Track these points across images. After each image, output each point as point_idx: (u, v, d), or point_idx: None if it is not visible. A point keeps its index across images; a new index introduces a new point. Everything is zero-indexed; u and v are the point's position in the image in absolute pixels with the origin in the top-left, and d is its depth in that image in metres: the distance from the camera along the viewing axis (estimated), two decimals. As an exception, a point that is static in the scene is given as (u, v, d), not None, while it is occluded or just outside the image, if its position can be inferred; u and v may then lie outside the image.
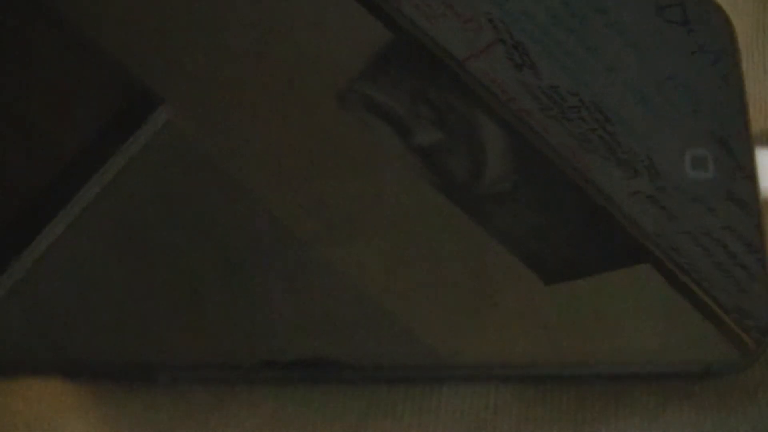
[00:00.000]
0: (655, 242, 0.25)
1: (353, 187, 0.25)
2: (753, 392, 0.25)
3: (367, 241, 0.24)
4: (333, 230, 0.24)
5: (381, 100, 0.25)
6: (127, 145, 0.25)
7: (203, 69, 0.25)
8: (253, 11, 0.26)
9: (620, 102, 0.25)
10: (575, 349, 0.24)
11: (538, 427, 0.24)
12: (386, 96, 0.25)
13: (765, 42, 0.29)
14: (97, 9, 0.25)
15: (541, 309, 0.24)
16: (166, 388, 0.24)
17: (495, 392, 0.25)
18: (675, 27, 0.26)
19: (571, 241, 0.25)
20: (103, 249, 0.24)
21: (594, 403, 0.25)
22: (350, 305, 0.24)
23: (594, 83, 0.26)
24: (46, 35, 0.25)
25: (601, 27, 0.26)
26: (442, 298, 0.24)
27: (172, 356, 0.23)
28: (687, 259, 0.25)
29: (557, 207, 0.25)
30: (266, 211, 0.24)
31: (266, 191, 0.25)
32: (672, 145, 0.25)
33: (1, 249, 0.24)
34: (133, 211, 0.24)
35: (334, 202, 0.25)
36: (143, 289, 0.24)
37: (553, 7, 0.26)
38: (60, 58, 0.25)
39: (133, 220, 0.24)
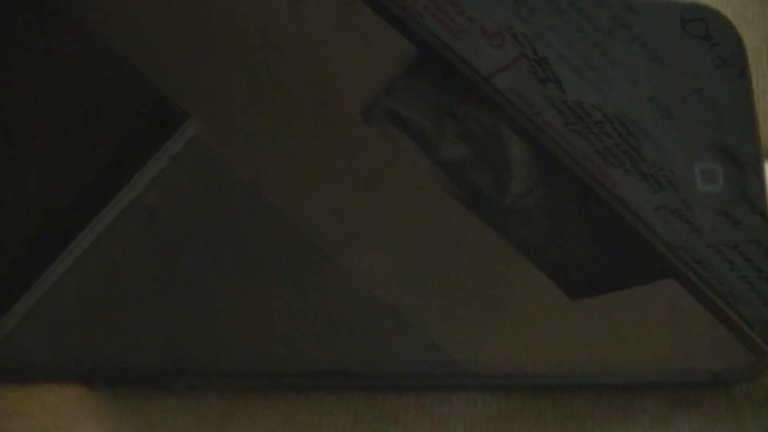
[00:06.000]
0: (679, 256, 0.25)
1: (378, 201, 0.25)
2: (763, 400, 0.25)
3: (393, 254, 0.25)
4: (358, 243, 0.25)
5: (406, 114, 0.25)
6: (154, 159, 0.25)
7: (229, 84, 0.25)
8: (279, 27, 0.26)
9: (644, 116, 0.26)
10: (590, 361, 0.24)
11: (549, 432, 0.25)
12: (411, 110, 0.25)
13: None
14: (126, 25, 0.25)
15: (562, 321, 0.24)
16: (181, 394, 0.25)
17: (506, 399, 0.25)
18: (699, 41, 0.26)
19: (595, 255, 0.25)
20: (125, 260, 0.24)
21: (604, 409, 0.25)
22: (369, 315, 0.24)
23: (618, 98, 0.26)
24: (74, 51, 0.25)
25: (625, 41, 0.26)
26: (464, 309, 0.24)
27: (187, 364, 0.24)
28: (711, 272, 0.25)
29: (582, 221, 0.25)
30: (289, 223, 0.25)
31: (290, 204, 0.25)
32: (697, 159, 0.26)
33: (31, 260, 0.24)
34: (157, 223, 0.25)
35: (358, 215, 0.25)
36: (161, 297, 0.24)
37: (576, 21, 0.26)
38: (88, 73, 0.25)
39: (157, 231, 0.25)
